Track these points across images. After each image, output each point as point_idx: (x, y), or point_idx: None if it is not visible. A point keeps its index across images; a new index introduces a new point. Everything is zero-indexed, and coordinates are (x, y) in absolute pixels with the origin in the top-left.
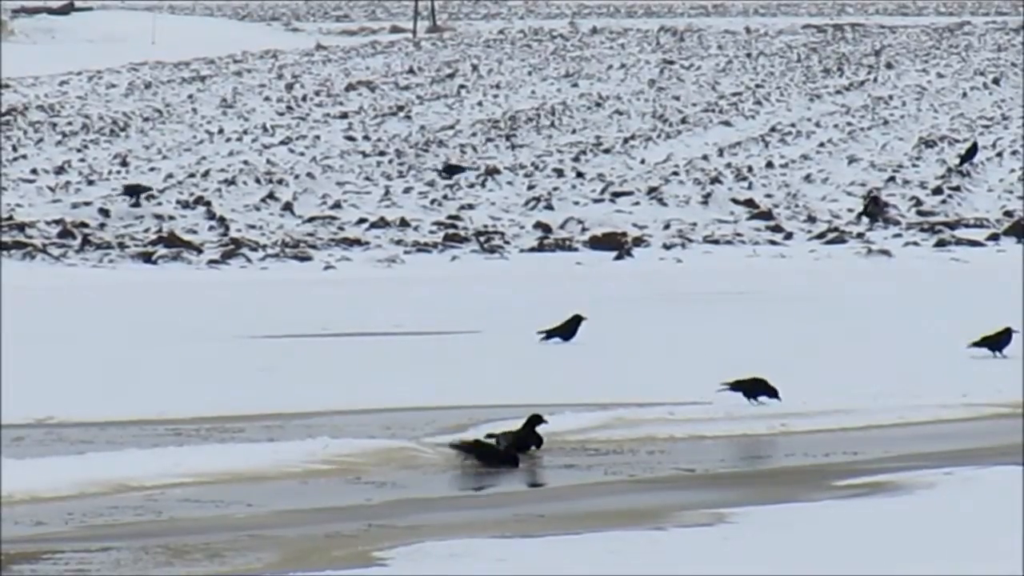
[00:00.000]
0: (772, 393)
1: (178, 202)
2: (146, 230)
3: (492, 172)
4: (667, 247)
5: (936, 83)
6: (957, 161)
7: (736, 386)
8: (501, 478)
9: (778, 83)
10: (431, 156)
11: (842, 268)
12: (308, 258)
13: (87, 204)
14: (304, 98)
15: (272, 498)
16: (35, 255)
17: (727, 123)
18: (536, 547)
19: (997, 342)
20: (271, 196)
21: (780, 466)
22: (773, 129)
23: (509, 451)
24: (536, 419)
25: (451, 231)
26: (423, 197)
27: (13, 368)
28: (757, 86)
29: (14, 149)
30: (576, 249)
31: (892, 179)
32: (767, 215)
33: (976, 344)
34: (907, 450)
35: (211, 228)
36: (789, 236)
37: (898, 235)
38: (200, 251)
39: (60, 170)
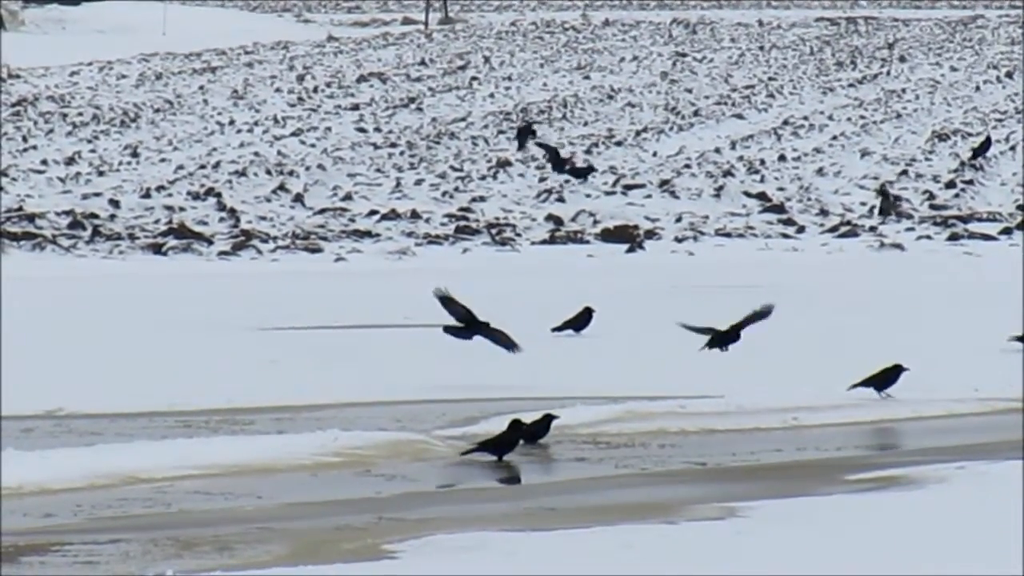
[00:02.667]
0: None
1: (188, 193)
2: (156, 221)
3: (503, 164)
4: (679, 240)
5: (949, 76)
6: (970, 155)
7: (867, 382)
8: (512, 471)
9: (791, 76)
10: (443, 148)
11: (854, 262)
12: (319, 250)
13: (97, 195)
14: (315, 89)
15: (282, 491)
16: (45, 246)
17: (739, 116)
18: (547, 540)
19: None
20: (282, 188)
21: (792, 460)
22: (786, 122)
23: (513, 436)
24: (551, 417)
25: (463, 223)
26: (434, 189)
27: (22, 359)
28: (770, 79)
29: (24, 140)
30: (588, 242)
31: (905, 173)
32: (779, 208)
33: (1018, 338)
34: (919, 444)
35: (222, 219)
36: (801, 229)
37: (911, 229)
38: (211, 242)
39: (70, 161)
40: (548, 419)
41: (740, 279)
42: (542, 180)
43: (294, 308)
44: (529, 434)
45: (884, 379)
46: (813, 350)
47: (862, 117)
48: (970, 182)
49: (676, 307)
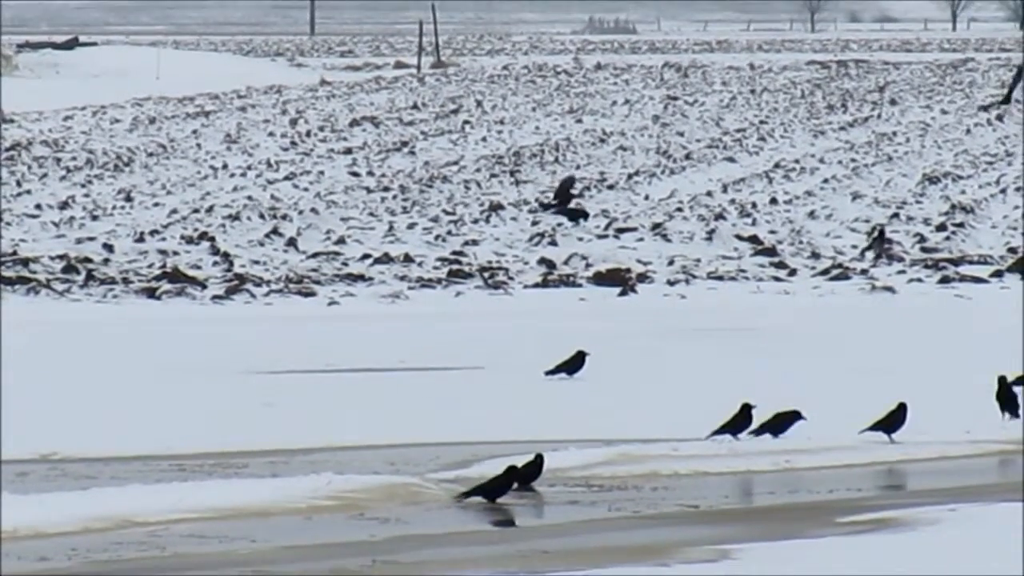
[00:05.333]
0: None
1: (182, 237)
2: (150, 265)
3: (496, 208)
4: (671, 283)
5: (940, 119)
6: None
7: (877, 426)
8: (505, 514)
9: (782, 119)
10: (435, 192)
11: (846, 305)
12: (312, 294)
13: (91, 239)
14: (308, 133)
15: (276, 534)
16: (39, 290)
17: (731, 159)
18: None
19: None
20: (275, 231)
21: (784, 502)
22: (777, 165)
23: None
24: (540, 458)
25: (455, 267)
26: (427, 233)
27: (17, 403)
28: (761, 122)
29: (18, 184)
30: (580, 285)
31: (896, 215)
32: (771, 251)
33: (1017, 382)
34: (911, 486)
35: (215, 263)
36: (793, 272)
37: (902, 272)
38: (204, 286)
39: (64, 205)
40: (540, 459)
41: (732, 322)
42: (534, 223)
43: (288, 352)
44: (523, 477)
45: (892, 421)
46: (805, 393)
47: (853, 160)
48: (961, 225)
49: (669, 350)
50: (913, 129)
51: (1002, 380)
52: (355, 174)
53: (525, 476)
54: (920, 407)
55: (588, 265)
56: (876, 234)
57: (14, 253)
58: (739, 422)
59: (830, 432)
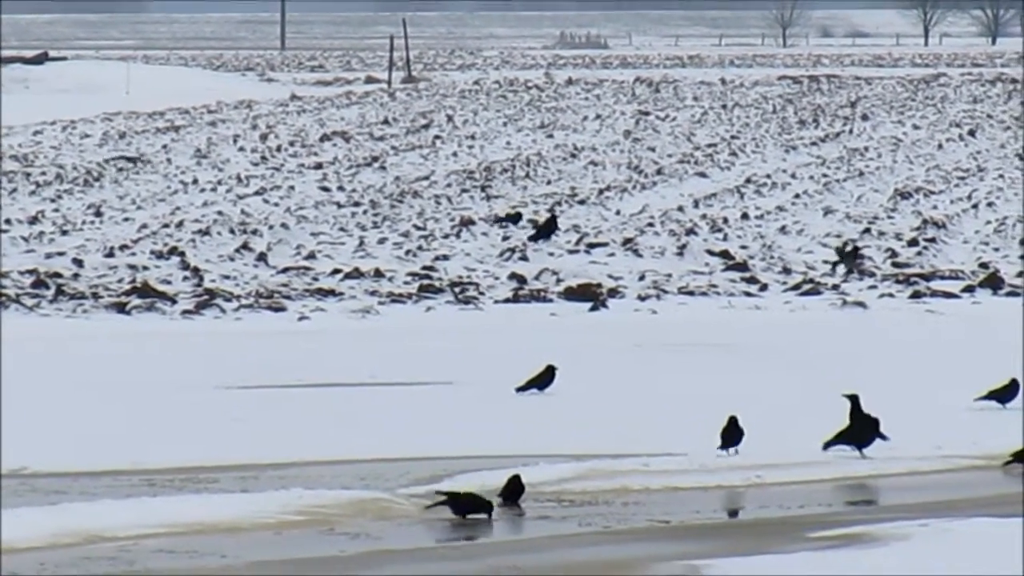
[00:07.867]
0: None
1: (152, 252)
2: (120, 280)
3: (467, 223)
4: (642, 298)
5: (912, 135)
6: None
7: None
8: (475, 530)
9: (753, 134)
10: (406, 207)
11: (817, 320)
12: (282, 308)
13: (61, 254)
14: (279, 148)
15: (246, 549)
16: (8, 305)
17: (702, 174)
18: None
19: (1005, 394)
20: (245, 246)
21: (755, 518)
22: (748, 180)
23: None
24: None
25: (426, 282)
26: (398, 248)
27: None
28: (732, 137)
29: None
30: (551, 300)
31: (867, 231)
32: (742, 266)
33: (983, 398)
34: (882, 502)
35: (185, 278)
36: (764, 287)
37: (873, 287)
38: (174, 301)
39: (34, 220)
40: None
41: (703, 337)
42: (505, 239)
43: (258, 367)
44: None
45: (863, 436)
46: (776, 408)
47: (825, 175)
48: (932, 240)
49: (639, 365)
50: (885, 144)
51: (853, 398)
52: (325, 189)
53: (511, 493)
54: (891, 422)
55: (559, 280)
56: (848, 249)
57: None
58: (733, 435)
59: (800, 447)
